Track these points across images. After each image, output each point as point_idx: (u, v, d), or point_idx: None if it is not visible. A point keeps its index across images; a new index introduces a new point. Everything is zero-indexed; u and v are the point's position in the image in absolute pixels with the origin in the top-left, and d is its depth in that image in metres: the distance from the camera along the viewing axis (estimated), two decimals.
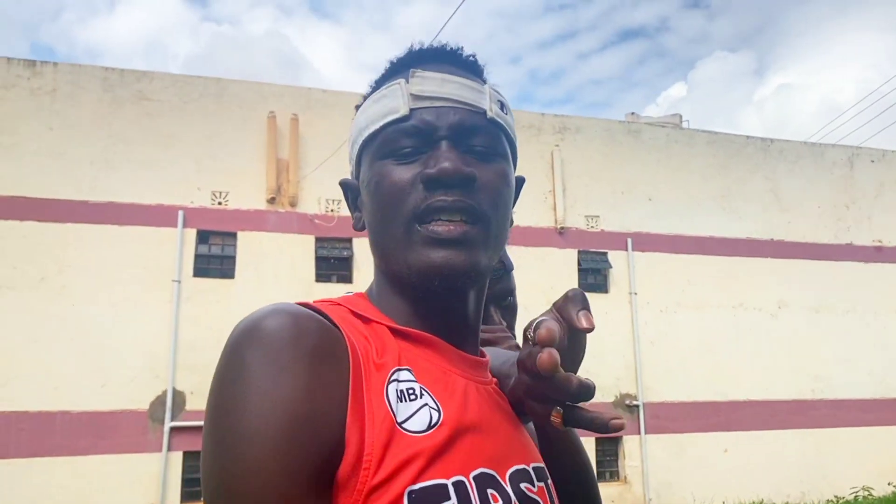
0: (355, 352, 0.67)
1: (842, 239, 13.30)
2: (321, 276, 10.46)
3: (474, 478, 0.67)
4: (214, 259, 10.19)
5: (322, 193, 10.62)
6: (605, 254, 11.96)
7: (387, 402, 0.66)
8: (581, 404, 0.68)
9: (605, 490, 10.86)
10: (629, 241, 12.04)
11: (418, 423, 0.67)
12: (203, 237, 10.16)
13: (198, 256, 10.07)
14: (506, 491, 0.70)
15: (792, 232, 13.03)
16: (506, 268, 1.38)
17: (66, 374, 9.09)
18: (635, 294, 11.84)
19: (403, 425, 0.66)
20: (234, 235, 10.26)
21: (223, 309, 9.85)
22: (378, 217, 0.78)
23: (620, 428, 0.66)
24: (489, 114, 0.78)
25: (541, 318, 0.70)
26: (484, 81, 0.81)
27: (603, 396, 10.83)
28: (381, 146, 0.78)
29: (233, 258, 10.19)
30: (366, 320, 0.74)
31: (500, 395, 0.81)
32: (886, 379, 12.78)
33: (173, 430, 9.34)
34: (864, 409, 12.50)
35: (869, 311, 13.04)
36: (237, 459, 0.60)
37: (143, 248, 9.72)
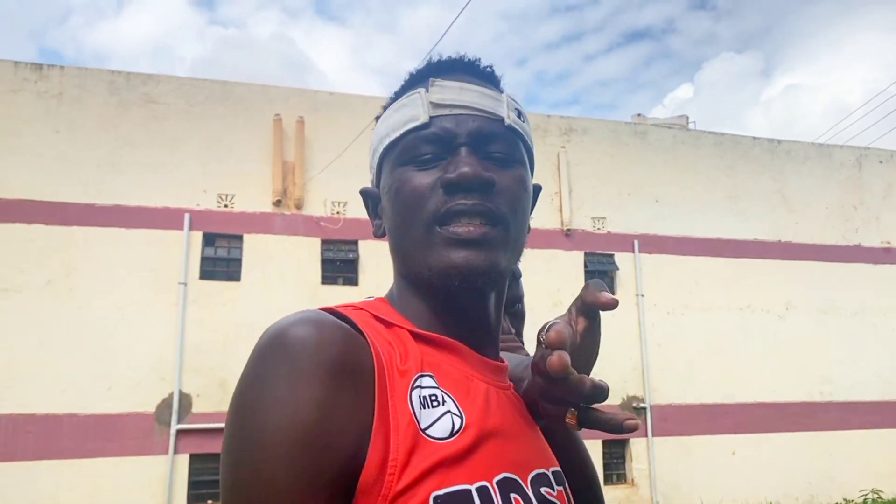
0: (380, 359, 0.68)
1: (850, 240, 13.24)
2: (327, 279, 10.46)
3: (497, 483, 0.68)
4: (220, 262, 10.20)
5: (328, 196, 10.63)
6: (612, 256, 11.93)
7: (410, 408, 0.67)
8: (594, 406, 0.71)
9: (613, 493, 10.82)
10: (636, 242, 12.00)
11: (441, 429, 0.68)
12: (209, 240, 10.17)
13: (204, 259, 10.09)
14: (528, 495, 0.71)
15: (800, 233, 12.97)
16: (514, 275, 1.38)
17: (72, 377, 9.11)
18: (642, 296, 11.80)
19: (427, 432, 0.67)
20: (240, 238, 10.27)
21: (229, 311, 9.86)
22: (398, 221, 0.79)
23: (635, 428, 0.68)
24: (507, 121, 0.80)
25: (552, 322, 0.71)
26: (501, 91, 0.83)
27: (610, 399, 10.57)
28: (401, 153, 0.80)
29: (239, 261, 10.20)
30: (388, 324, 0.75)
31: (518, 399, 0.82)
32: (895, 381, 12.70)
33: (180, 432, 9.34)
34: (873, 412, 12.43)
35: (878, 313, 12.97)
36: (252, 465, 0.61)
37: (149, 250, 9.74)
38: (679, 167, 12.61)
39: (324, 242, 10.55)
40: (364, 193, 0.91)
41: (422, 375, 0.71)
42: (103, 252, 9.56)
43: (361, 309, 0.76)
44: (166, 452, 9.24)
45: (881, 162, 13.92)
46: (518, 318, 1.39)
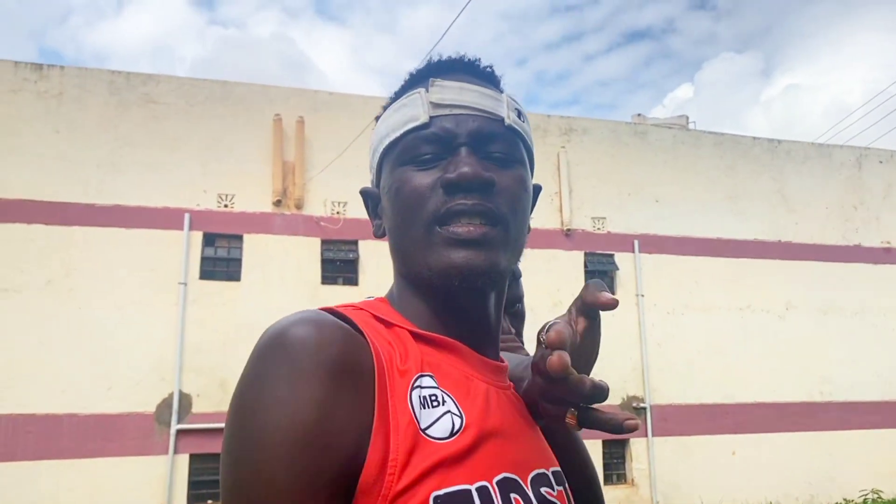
0: (380, 359, 0.68)
1: (850, 240, 13.24)
2: (327, 279, 10.46)
3: (497, 483, 0.68)
4: (220, 262, 10.20)
5: (328, 196, 10.63)
6: (612, 256, 11.92)
7: (410, 408, 0.67)
8: (595, 406, 0.71)
9: (613, 493, 10.82)
10: (636, 242, 12.00)
11: (441, 429, 0.68)
12: (209, 240, 10.17)
13: (204, 259, 10.09)
14: (528, 495, 0.71)
15: (800, 233, 12.97)
16: (514, 275, 1.38)
17: (72, 377, 9.11)
18: (642, 296, 11.80)
19: (427, 432, 0.67)
20: (240, 238, 10.27)
21: (229, 311, 9.86)
22: (398, 221, 0.79)
23: (635, 428, 0.68)
24: (507, 121, 0.80)
25: (552, 322, 0.71)
26: (501, 91, 0.83)
27: (610, 399, 10.57)
28: (401, 153, 0.80)
29: (239, 261, 10.20)
30: (388, 324, 0.75)
31: (518, 399, 0.82)
32: (895, 381, 12.70)
33: (179, 432, 9.34)
34: (874, 412, 12.43)
35: (878, 313, 12.97)
36: (252, 465, 0.61)
37: (149, 250, 9.74)
38: (679, 167, 12.61)
39: (324, 242, 10.55)
40: (364, 193, 0.91)
41: (422, 375, 0.71)
42: (103, 252, 9.56)
43: (361, 309, 0.76)
44: (166, 452, 9.24)
45: (881, 162, 13.91)
46: (518, 318, 1.40)
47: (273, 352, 0.65)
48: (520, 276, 1.42)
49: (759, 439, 11.73)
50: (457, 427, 0.69)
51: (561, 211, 11.72)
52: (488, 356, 0.81)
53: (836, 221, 13.26)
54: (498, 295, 0.83)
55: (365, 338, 0.69)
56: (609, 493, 10.74)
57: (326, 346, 0.65)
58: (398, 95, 0.84)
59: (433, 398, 0.70)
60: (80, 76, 10.08)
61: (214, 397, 9.44)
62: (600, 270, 11.77)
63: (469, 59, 0.84)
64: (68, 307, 9.31)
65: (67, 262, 9.43)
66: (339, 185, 10.41)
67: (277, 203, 10.43)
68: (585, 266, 11.69)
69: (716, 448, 11.55)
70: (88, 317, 9.35)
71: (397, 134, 0.80)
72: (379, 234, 0.86)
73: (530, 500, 0.71)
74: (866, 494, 11.63)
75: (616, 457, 11.30)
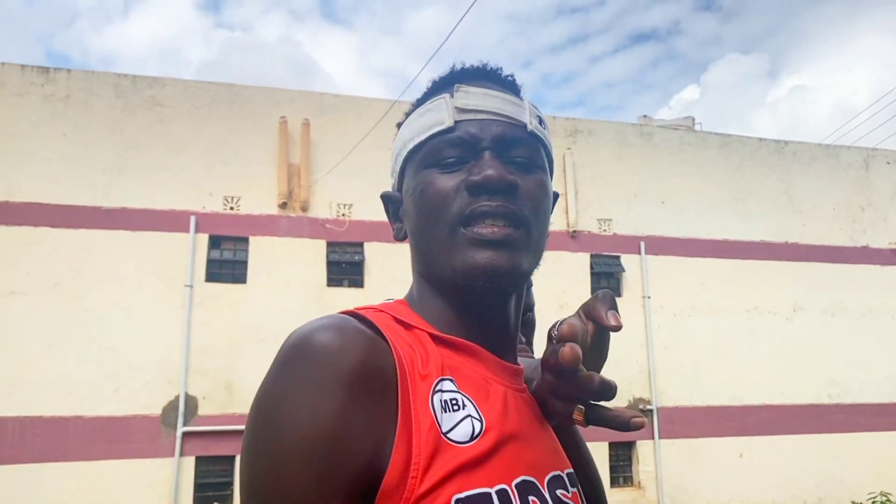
0: (402, 363, 0.69)
1: (857, 241, 13.18)
2: (332, 281, 10.46)
3: (516, 485, 0.70)
4: (226, 264, 10.21)
5: (333, 198, 10.63)
6: (618, 257, 11.90)
7: (432, 412, 0.68)
8: (602, 403, 0.73)
9: (619, 495, 10.79)
10: (642, 244, 11.98)
11: (462, 433, 0.69)
12: (215, 242, 10.19)
13: (210, 261, 10.10)
14: (545, 498, 0.73)
15: (806, 234, 12.92)
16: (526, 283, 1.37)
17: (79, 380, 9.13)
18: (648, 298, 11.77)
19: (448, 436, 0.68)
20: (245, 240, 10.29)
21: (235, 314, 9.87)
22: (422, 223, 0.80)
23: (641, 426, 0.70)
24: (529, 127, 0.82)
25: (564, 319, 0.74)
26: (522, 98, 0.85)
27: (616, 401, 10.65)
28: (425, 156, 0.81)
29: (244, 263, 10.21)
30: (408, 327, 0.76)
31: (534, 401, 0.83)
32: None
33: (186, 434, 9.35)
34: (881, 413, 12.37)
35: (886, 314, 12.91)
36: (270, 469, 0.63)
37: (155, 253, 9.76)
38: (685, 168, 12.58)
39: (329, 245, 10.56)
40: (385, 197, 0.91)
41: (443, 379, 0.72)
42: (109, 254, 9.59)
43: (382, 311, 0.78)
44: (172, 455, 9.25)
45: (888, 163, 13.86)
46: (529, 326, 1.39)
47: (295, 359, 0.66)
48: (531, 284, 1.41)
49: (767, 441, 11.68)
50: (477, 431, 0.70)
51: (567, 212, 11.70)
52: (506, 360, 0.83)
53: (843, 223, 13.20)
54: (518, 298, 0.85)
55: (387, 342, 0.70)
56: (616, 495, 10.71)
57: (349, 354, 0.66)
58: (422, 101, 0.86)
59: (454, 402, 0.71)
60: (86, 79, 10.12)
61: (220, 399, 9.45)
62: (606, 272, 11.75)
63: (492, 68, 0.86)
64: (75, 309, 9.34)
65: (74, 264, 9.46)
66: (345, 188, 10.42)
67: (283, 205, 10.44)
68: (591, 268, 11.67)
69: (723, 450, 11.51)
70: (95, 319, 9.37)
71: (422, 138, 0.81)
72: (400, 238, 0.87)
73: (547, 502, 0.72)
74: (875, 497, 11.55)
75: (622, 459, 11.27)
